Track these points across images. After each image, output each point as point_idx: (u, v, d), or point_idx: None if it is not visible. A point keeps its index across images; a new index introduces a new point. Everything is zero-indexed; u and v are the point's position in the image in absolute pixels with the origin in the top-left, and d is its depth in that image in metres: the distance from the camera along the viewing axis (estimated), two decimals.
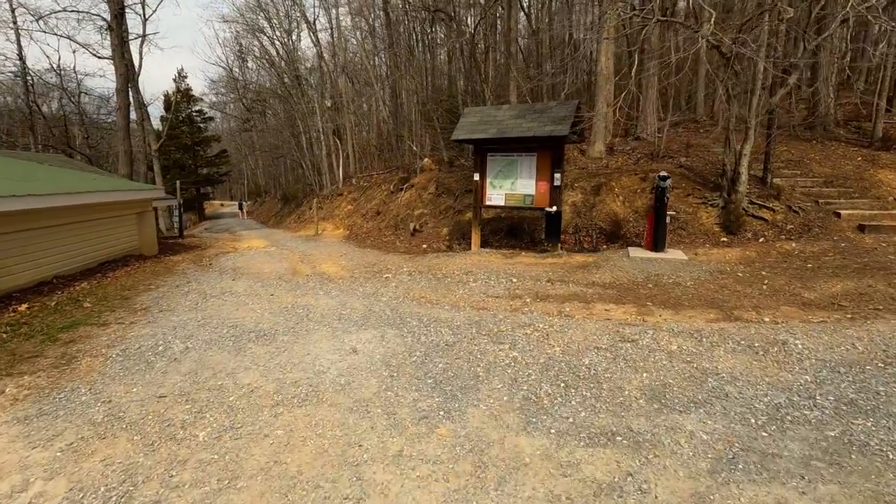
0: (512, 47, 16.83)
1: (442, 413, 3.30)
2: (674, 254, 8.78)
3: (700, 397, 3.34)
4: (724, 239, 9.67)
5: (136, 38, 20.53)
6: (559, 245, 9.71)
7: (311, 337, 5.00)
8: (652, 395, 3.40)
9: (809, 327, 4.80)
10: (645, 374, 3.73)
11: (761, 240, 9.43)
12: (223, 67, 39.85)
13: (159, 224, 23.61)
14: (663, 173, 8.82)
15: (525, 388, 3.63)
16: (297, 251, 13.29)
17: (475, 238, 10.52)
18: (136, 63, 23.70)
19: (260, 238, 18.64)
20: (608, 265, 8.35)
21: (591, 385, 3.60)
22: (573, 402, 3.36)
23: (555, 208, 9.38)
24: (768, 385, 3.49)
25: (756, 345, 4.26)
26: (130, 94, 19.39)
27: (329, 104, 28.11)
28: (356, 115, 27.71)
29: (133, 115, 22.82)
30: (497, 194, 10.17)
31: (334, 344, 4.77)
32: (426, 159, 17.19)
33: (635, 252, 9.00)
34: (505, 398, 3.49)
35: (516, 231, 11.73)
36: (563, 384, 3.64)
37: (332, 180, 24.98)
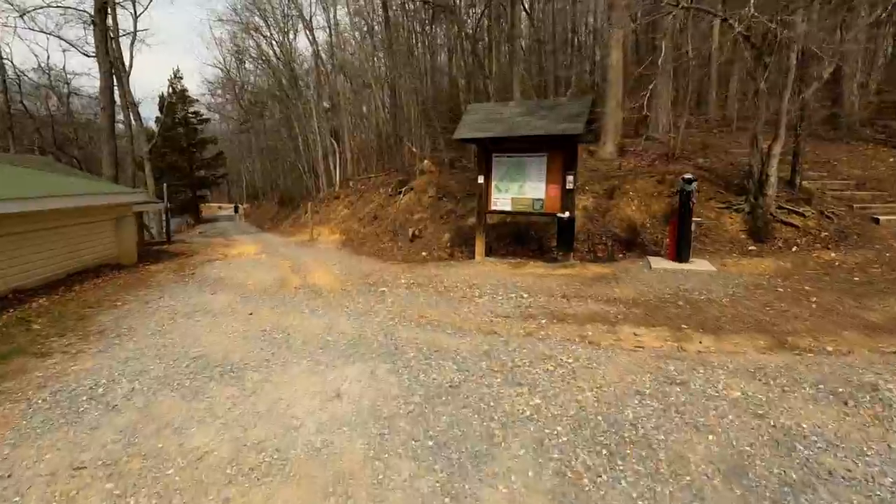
0: (515, 43, 16.01)
1: (448, 500, 2.44)
2: (700, 264, 7.93)
3: (795, 476, 2.48)
4: (753, 248, 8.82)
5: (124, 35, 19.72)
6: (571, 254, 8.85)
7: (288, 373, 4.15)
8: (729, 472, 2.54)
9: (891, 361, 3.95)
10: (711, 437, 2.87)
11: (794, 249, 8.58)
12: (220, 68, 39.03)
13: (151, 229, 22.79)
14: (688, 175, 7.98)
15: (556, 456, 2.78)
16: (288, 258, 12.46)
17: (479, 246, 9.68)
18: (127, 62, 22.91)
19: (253, 243, 17.83)
20: (628, 278, 7.50)
21: (644, 453, 2.74)
22: (623, 484, 2.50)
23: (567, 214, 8.53)
24: (879, 456, 2.63)
25: (840, 390, 3.41)
26: (117, 93, 18.57)
27: (327, 106, 27.31)
28: (354, 117, 26.90)
29: (124, 116, 22.02)
30: (503, 199, 9.32)
31: (314, 383, 3.92)
32: (426, 161, 16.36)
33: (657, 262, 8.14)
34: (530, 473, 2.64)
35: (523, 238, 10.88)
36: (605, 452, 2.78)
37: (330, 183, 24.16)
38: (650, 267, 7.96)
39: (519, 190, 9.14)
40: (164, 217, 15.75)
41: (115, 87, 20.07)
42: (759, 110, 9.46)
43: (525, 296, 6.88)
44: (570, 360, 4.25)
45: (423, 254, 11.43)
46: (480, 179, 9.40)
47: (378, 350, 4.66)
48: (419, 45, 24.51)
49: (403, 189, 15.64)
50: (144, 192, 11.53)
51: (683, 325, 5.34)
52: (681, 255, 8.04)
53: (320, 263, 11.17)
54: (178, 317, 6.10)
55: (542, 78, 19.50)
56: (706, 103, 19.97)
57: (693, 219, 8.11)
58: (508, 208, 9.33)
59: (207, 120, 44.55)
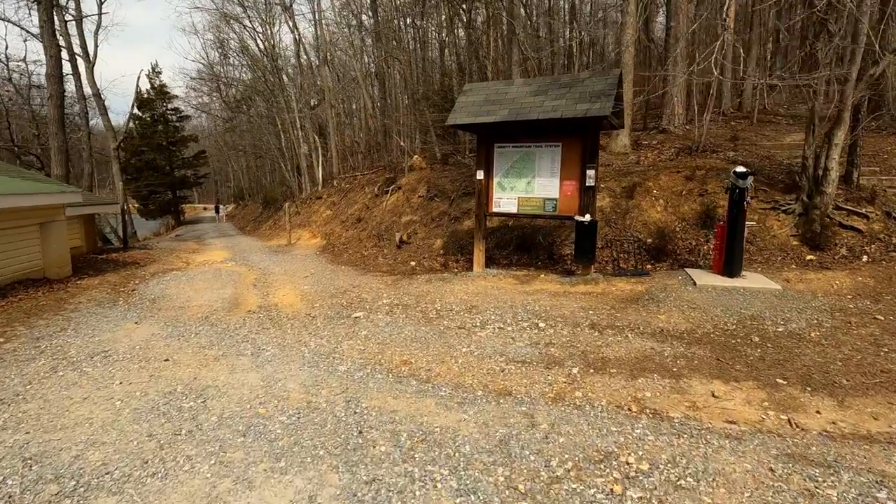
0: (514, 16, 14.36)
1: None
2: (755, 280, 6.33)
3: None
4: (811, 257, 7.24)
5: (87, 18, 17.84)
6: (592, 267, 7.23)
7: (176, 494, 2.48)
8: None
9: None
10: None
11: (864, 258, 7.01)
12: (203, 64, 37.10)
13: (108, 233, 20.89)
14: (741, 168, 6.37)
15: None
16: (256, 268, 10.75)
17: (478, 255, 8.02)
18: (91, 50, 21.08)
19: (224, 249, 16.08)
20: (670, 299, 5.88)
21: None
22: None
23: (588, 217, 6.90)
24: None
25: None
26: (85, 83, 16.74)
27: (314, 102, 25.53)
28: (341, 113, 25.16)
29: (81, 108, 20.12)
30: (507, 198, 7.68)
31: None
32: (415, 157, 14.68)
33: (701, 277, 6.53)
34: None
35: (529, 244, 9.24)
36: None
37: (314, 182, 22.39)
38: (694, 283, 6.34)
39: (527, 188, 7.50)
40: (123, 219, 13.95)
41: (73, 77, 18.24)
42: (818, 90, 7.86)
43: (542, 325, 5.24)
44: (642, 465, 2.60)
45: (412, 263, 9.76)
46: (479, 175, 7.75)
47: (331, 439, 2.98)
48: (410, 38, 22.81)
49: (390, 188, 13.96)
50: (78, 191, 9.75)
51: (779, 379, 3.71)
52: (731, 268, 6.43)
53: (290, 276, 9.47)
54: (62, 366, 4.38)
55: (547, 55, 17.84)
56: (717, 95, 18.46)
57: (747, 223, 6.51)
58: (513, 210, 7.69)
59: (188, 117, 42.47)
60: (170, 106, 39.63)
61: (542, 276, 7.60)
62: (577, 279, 7.09)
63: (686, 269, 7.10)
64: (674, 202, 9.03)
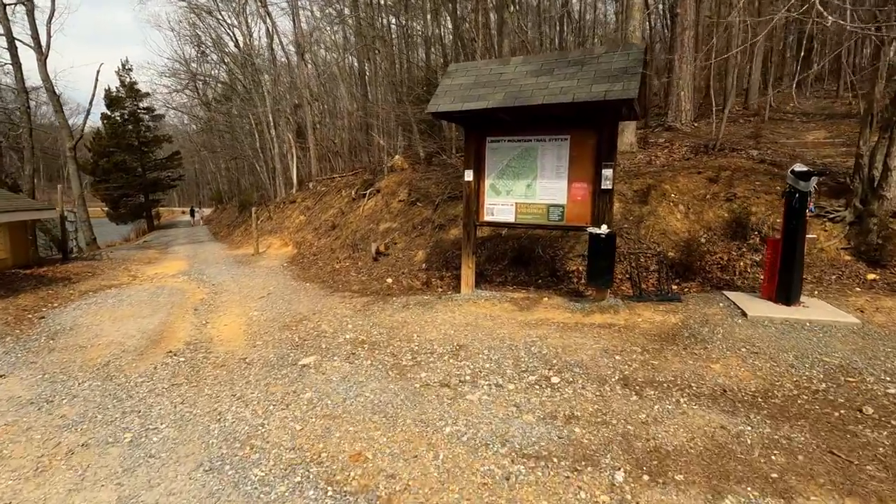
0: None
1: None
2: (820, 309, 4.96)
3: None
4: (873, 276, 5.91)
5: (21, 2, 16.07)
6: (609, 290, 5.80)
7: None
8: None
9: None
10: None
11: None
12: (179, 62, 35.17)
13: (76, 239, 19.10)
14: (801, 167, 4.99)
15: None
16: (208, 284, 9.20)
17: (466, 274, 6.56)
18: (44, 41, 19.27)
19: (184, 259, 14.46)
20: (718, 336, 4.49)
21: None
22: None
23: (605, 229, 5.49)
24: None
25: None
26: (18, 73, 14.97)
27: (296, 101, 23.88)
28: (322, 109, 23.59)
29: (21, 103, 18.27)
30: (503, 204, 6.24)
31: None
32: (397, 156, 13.20)
33: (749, 304, 5.15)
34: None
35: (527, 257, 7.82)
36: None
37: (288, 184, 20.78)
38: (742, 313, 4.96)
39: (527, 192, 6.07)
40: (62, 227, 12.19)
41: (13, 66, 16.47)
42: (879, 76, 6.56)
43: (555, 380, 3.80)
44: None
45: (388, 280, 8.26)
46: (468, 177, 6.31)
47: None
48: (393, 34, 21.32)
49: (368, 191, 12.45)
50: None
51: None
52: (788, 293, 5.05)
53: (244, 296, 7.94)
54: None
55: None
56: (725, 90, 17.30)
57: (806, 236, 5.15)
58: (510, 219, 6.25)
59: (162, 116, 40.42)
60: (142, 104, 37.61)
61: (546, 299, 6.17)
62: (589, 305, 5.66)
63: (724, 293, 5.72)
64: (696, 208, 7.68)
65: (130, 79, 37.21)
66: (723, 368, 3.88)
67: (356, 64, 23.46)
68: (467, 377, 3.97)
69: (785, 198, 5.03)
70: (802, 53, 19.68)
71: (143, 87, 38.59)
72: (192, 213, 39.56)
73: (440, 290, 7.37)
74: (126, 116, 37.05)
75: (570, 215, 5.87)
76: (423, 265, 8.71)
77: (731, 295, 5.58)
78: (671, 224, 7.56)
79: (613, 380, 3.79)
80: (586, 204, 5.76)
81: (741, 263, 6.54)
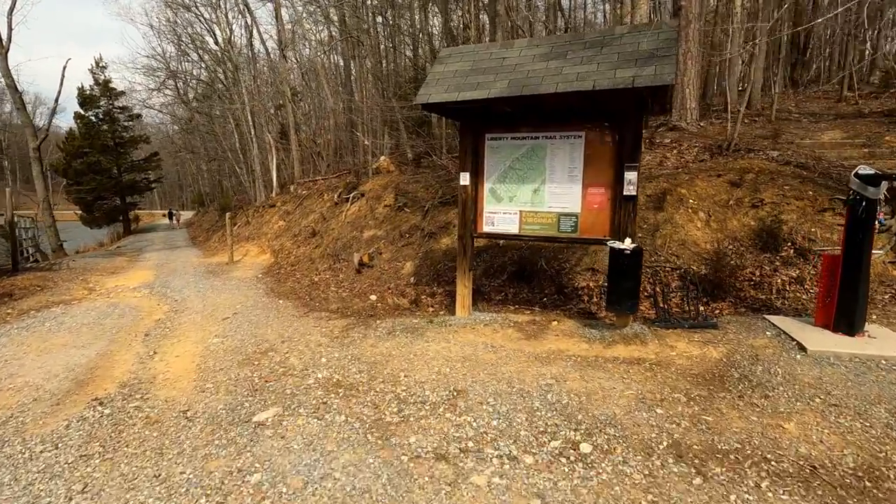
0: None
1: None
2: (893, 341, 4.12)
3: None
4: None
5: None
6: (632, 316, 4.90)
7: None
8: None
9: None
10: None
11: None
12: (159, 60, 33.73)
13: (38, 247, 17.81)
14: (866, 168, 4.15)
15: None
16: (170, 300, 8.18)
17: (463, 294, 5.63)
18: (4, 33, 18.06)
19: (153, 268, 13.33)
20: (777, 381, 3.62)
21: None
22: None
23: (629, 243, 4.60)
24: None
25: None
26: None
27: (280, 102, 22.77)
28: (301, 108, 22.54)
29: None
30: (505, 212, 5.34)
31: None
32: (382, 157, 12.24)
33: (804, 334, 4.29)
34: None
35: (529, 271, 6.92)
36: None
37: (269, 187, 19.68)
38: (799, 346, 4.10)
39: (533, 198, 5.17)
40: (12, 234, 11.01)
41: None
42: None
43: (587, 450, 2.89)
44: None
45: (372, 298, 7.30)
46: (464, 180, 5.39)
47: None
48: (380, 31, 20.36)
49: (351, 195, 11.47)
50: None
51: None
52: (851, 320, 4.21)
53: (206, 316, 6.93)
54: None
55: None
56: (722, 92, 16.63)
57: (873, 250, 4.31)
58: (513, 230, 5.34)
59: (139, 116, 38.81)
60: (117, 103, 36.09)
61: (555, 323, 5.27)
62: (609, 333, 4.77)
63: (767, 317, 4.87)
64: (718, 215, 6.85)
65: (105, 76, 35.71)
66: (800, 430, 3.00)
67: (342, 63, 22.47)
68: (470, 443, 3.04)
69: (848, 206, 4.19)
70: (800, 55, 19.13)
71: (120, 86, 37.13)
72: (171, 216, 38.17)
73: (431, 310, 6.43)
74: (101, 116, 35.49)
75: (585, 226, 4.97)
76: (412, 279, 7.76)
77: (776, 320, 4.72)
78: (691, 233, 6.71)
79: (662, 447, 2.89)
80: (604, 213, 4.87)
81: (776, 280, 5.70)
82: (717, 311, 5.42)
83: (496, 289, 6.81)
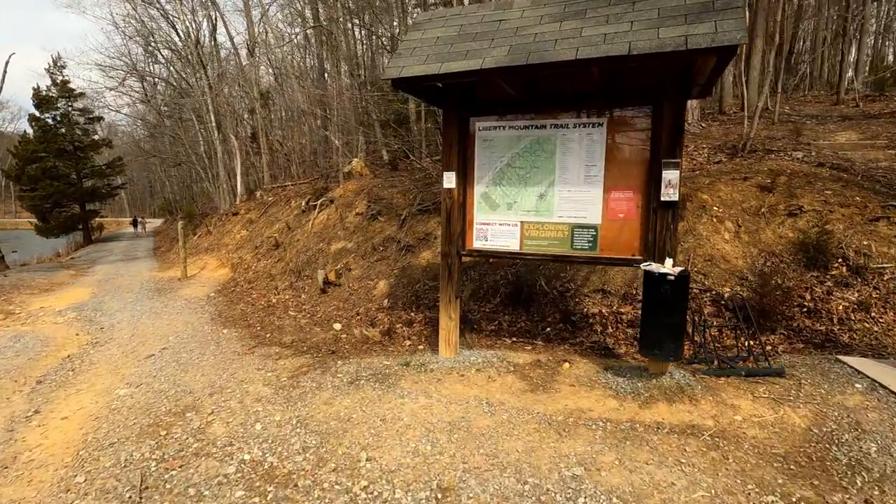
0: None
1: None
2: None
3: None
4: None
5: None
6: (675, 360, 3.71)
7: None
8: None
9: None
10: None
11: None
12: (122, 58, 31.82)
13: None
14: None
15: None
16: (93, 330, 6.79)
17: (447, 328, 4.38)
18: None
19: (93, 284, 11.77)
20: None
21: None
22: None
23: (670, 264, 3.44)
24: None
25: None
26: None
27: (255, 107, 21.26)
28: (272, 109, 21.10)
29: None
30: (501, 224, 4.13)
31: None
32: (355, 160, 10.97)
33: None
34: None
35: (527, 293, 5.72)
36: None
37: (234, 193, 18.17)
38: None
39: (538, 205, 3.98)
40: None
41: None
42: None
43: None
44: None
45: (336, 327, 6.00)
46: (449, 181, 4.17)
47: None
48: (354, 37, 19.11)
49: (319, 201, 10.16)
50: None
51: None
52: None
53: (128, 352, 5.55)
54: None
55: None
56: (719, 89, 15.86)
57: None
58: (513, 246, 4.13)
59: (100, 118, 36.66)
60: (76, 105, 33.99)
61: (566, 365, 4.08)
62: (641, 380, 3.59)
63: (843, 359, 3.76)
64: (749, 225, 5.77)
65: (63, 77, 33.63)
66: None
67: (316, 64, 21.15)
68: None
69: None
70: (786, 60, 18.58)
71: (87, 89, 35.05)
72: (136, 224, 36.12)
73: (408, 343, 5.18)
74: (58, 118, 33.36)
75: (608, 242, 3.80)
76: (385, 301, 6.49)
77: (858, 363, 3.62)
78: (718, 247, 5.62)
79: None
80: (633, 224, 3.71)
81: (835, 306, 4.62)
82: (766, 344, 4.31)
83: (488, 315, 5.60)
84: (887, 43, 21.60)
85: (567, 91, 3.76)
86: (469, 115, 4.12)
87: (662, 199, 3.53)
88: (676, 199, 3.52)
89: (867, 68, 17.59)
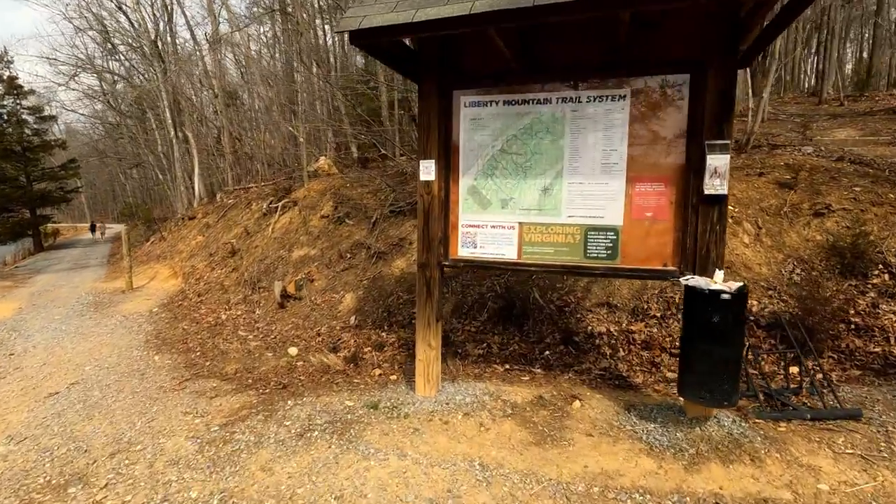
0: None
1: None
2: None
3: None
4: None
5: None
6: (725, 404, 2.86)
7: None
8: None
9: None
10: None
11: None
12: (80, 56, 29.78)
13: None
14: None
15: None
16: (9, 355, 5.59)
17: (427, 358, 3.45)
18: None
19: (23, 298, 10.44)
20: None
21: None
22: None
23: (721, 278, 2.60)
24: None
25: None
26: None
27: (213, 100, 19.89)
28: (239, 108, 19.84)
29: None
30: (494, 226, 3.24)
31: None
32: (322, 158, 9.95)
33: None
34: None
35: (519, 308, 4.84)
36: None
37: (191, 195, 16.87)
38: None
39: (542, 201, 3.11)
40: None
41: None
42: None
43: None
44: None
45: (291, 352, 5.00)
46: (427, 172, 3.26)
47: None
48: (327, 39, 18.06)
49: (281, 202, 9.10)
50: None
51: None
52: None
53: (27, 390, 4.46)
54: None
55: None
56: None
57: None
58: (509, 254, 3.25)
59: (53, 117, 34.36)
60: (25, 103, 31.77)
61: (577, 404, 3.21)
62: (680, 428, 2.74)
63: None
64: (770, 227, 5.04)
65: (11, 72, 31.42)
66: None
67: (284, 59, 19.99)
68: None
69: None
70: (760, 62, 18.43)
71: (35, 85, 32.87)
72: (93, 229, 34.05)
73: (378, 374, 4.22)
74: (4, 117, 31.09)
75: (631, 248, 2.95)
76: (353, 318, 5.52)
77: None
78: (738, 252, 4.86)
79: None
80: (665, 225, 2.87)
81: (888, 322, 3.88)
82: (817, 371, 3.53)
83: (474, 336, 4.69)
84: (863, 45, 21.77)
85: (580, 54, 2.91)
86: (452, 87, 3.23)
87: (706, 191, 2.70)
88: (725, 192, 2.69)
89: (849, 68, 17.51)
